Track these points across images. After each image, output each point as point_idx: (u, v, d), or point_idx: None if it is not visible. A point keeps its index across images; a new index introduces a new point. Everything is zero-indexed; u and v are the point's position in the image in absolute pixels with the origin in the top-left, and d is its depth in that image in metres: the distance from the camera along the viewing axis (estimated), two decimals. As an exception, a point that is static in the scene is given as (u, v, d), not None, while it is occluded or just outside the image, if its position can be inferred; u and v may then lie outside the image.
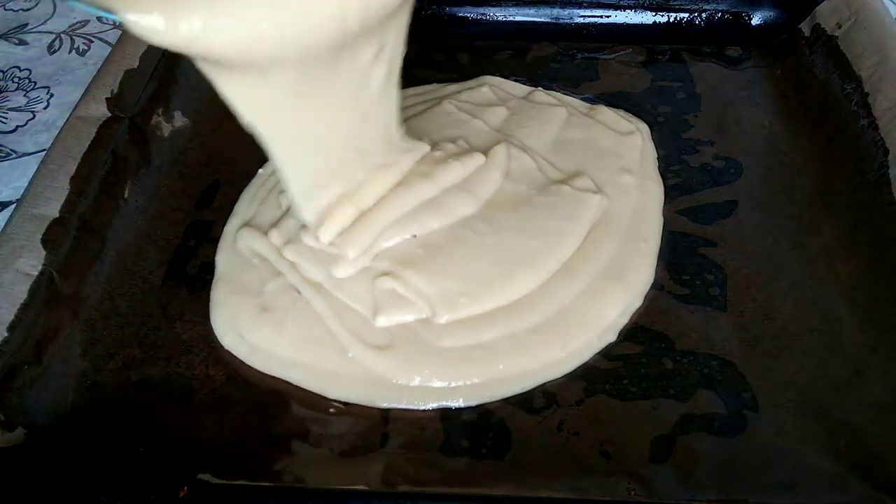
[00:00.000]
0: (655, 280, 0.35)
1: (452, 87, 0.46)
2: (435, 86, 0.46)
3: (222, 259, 0.37)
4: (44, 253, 0.32)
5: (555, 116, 0.43)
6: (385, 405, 0.31)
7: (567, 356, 0.32)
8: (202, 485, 0.28)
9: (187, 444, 0.30)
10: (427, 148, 0.37)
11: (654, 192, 0.39)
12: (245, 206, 0.39)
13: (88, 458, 0.29)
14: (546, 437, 0.30)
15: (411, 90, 0.45)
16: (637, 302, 0.34)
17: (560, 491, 0.28)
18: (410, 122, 0.40)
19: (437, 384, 0.32)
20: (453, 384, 0.32)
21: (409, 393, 0.32)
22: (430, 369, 0.32)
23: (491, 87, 0.45)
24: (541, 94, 0.44)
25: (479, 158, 0.38)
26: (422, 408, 0.31)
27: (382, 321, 0.33)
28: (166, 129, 0.41)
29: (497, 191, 0.37)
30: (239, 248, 0.37)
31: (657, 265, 0.35)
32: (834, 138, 0.39)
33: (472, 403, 0.31)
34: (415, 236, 0.35)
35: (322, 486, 0.28)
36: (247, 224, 0.38)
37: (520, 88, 0.45)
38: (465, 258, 0.35)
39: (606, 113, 0.43)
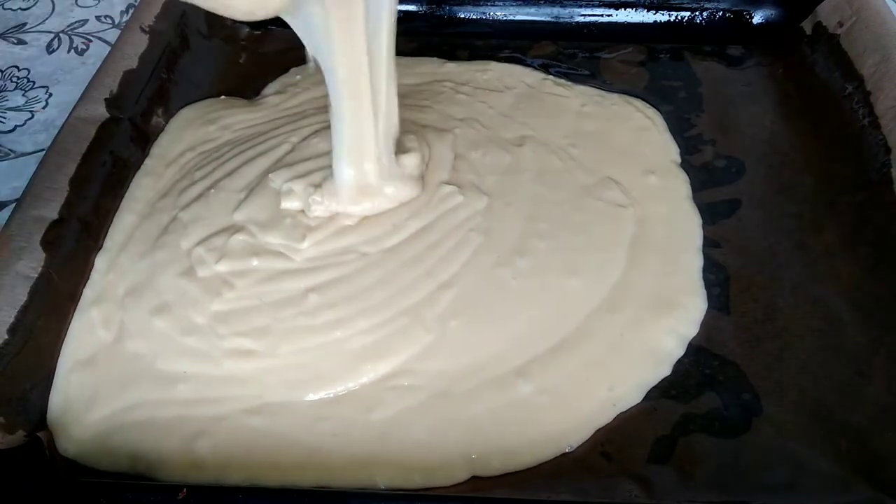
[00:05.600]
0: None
1: (452, 66, 0.44)
2: (435, 61, 0.44)
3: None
4: (44, 255, 0.32)
5: (567, 107, 0.42)
6: (385, 486, 0.27)
7: (615, 397, 0.30)
8: (201, 487, 0.27)
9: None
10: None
11: (680, 189, 0.38)
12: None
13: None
14: (547, 438, 0.29)
15: (402, 59, 0.42)
16: (693, 330, 0.32)
17: (561, 493, 0.28)
18: (404, 93, 0.37)
19: (463, 455, 0.28)
20: (479, 454, 0.28)
21: (425, 476, 0.27)
22: (452, 444, 0.28)
23: (497, 73, 0.43)
24: (551, 84, 0.43)
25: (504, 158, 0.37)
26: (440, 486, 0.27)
27: (380, 415, 0.29)
28: (166, 130, 0.41)
29: (532, 201, 0.36)
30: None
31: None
32: (835, 137, 0.39)
33: (512, 470, 0.28)
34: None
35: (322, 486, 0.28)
36: None
37: (530, 75, 0.44)
38: (501, 317, 0.32)
39: (620, 104, 0.42)
